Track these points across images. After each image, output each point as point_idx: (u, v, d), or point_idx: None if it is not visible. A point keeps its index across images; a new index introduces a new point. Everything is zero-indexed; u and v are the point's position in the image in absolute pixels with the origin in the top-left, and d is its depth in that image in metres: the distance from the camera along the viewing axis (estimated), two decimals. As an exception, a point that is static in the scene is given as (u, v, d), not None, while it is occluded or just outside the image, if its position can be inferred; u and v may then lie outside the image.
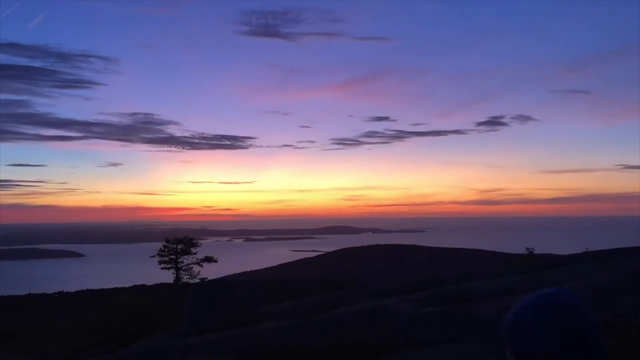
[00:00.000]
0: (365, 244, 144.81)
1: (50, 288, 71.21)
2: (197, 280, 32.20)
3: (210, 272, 34.25)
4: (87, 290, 65.93)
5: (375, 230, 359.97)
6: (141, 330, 13.59)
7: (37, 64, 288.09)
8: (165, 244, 34.83)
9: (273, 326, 7.61)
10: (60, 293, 63.14)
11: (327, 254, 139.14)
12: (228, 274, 73.75)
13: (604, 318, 5.62)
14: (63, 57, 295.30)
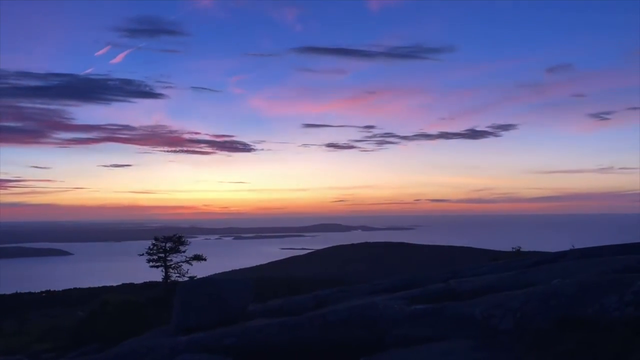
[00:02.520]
0: (355, 241, 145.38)
1: (38, 287, 70.66)
2: (185, 279, 32.12)
3: (199, 270, 34.20)
4: (75, 289, 65.47)
5: (364, 228, 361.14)
6: (130, 329, 13.54)
7: (67, 84, 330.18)
8: (154, 242, 34.65)
9: (262, 324, 7.60)
10: (48, 292, 62.61)
11: (317, 251, 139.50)
12: (217, 272, 73.70)
13: (591, 315, 5.67)
14: (91, 80, 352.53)
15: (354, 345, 6.53)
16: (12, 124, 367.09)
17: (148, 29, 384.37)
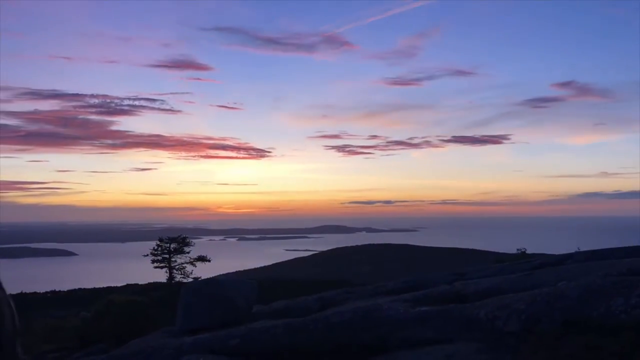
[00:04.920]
0: (359, 243, 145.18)
1: (42, 287, 70.81)
2: (190, 280, 32.16)
3: (203, 271, 34.24)
4: (80, 289, 65.58)
5: (369, 230, 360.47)
6: (134, 330, 13.56)
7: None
8: (158, 243, 34.71)
9: (266, 325, 7.60)
10: (53, 292, 62.77)
11: (321, 253, 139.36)
12: (221, 273, 73.67)
13: (597, 317, 5.65)
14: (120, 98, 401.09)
15: (358, 347, 6.53)
16: (52, 130, 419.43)
17: (190, 64, 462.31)
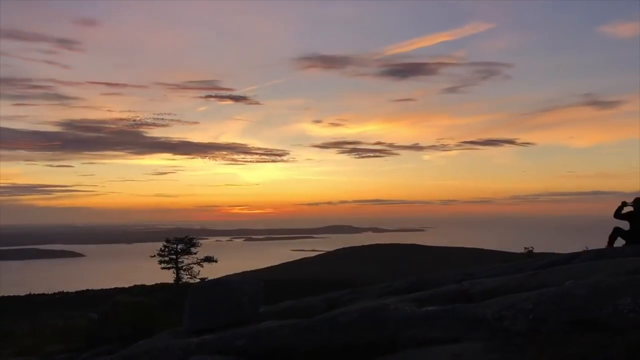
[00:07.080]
0: (366, 243, 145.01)
1: (50, 288, 71.16)
2: (197, 280, 32.23)
3: (210, 272, 34.32)
4: (87, 290, 65.91)
5: (375, 230, 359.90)
6: (141, 331, 13.59)
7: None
8: (165, 244, 34.78)
9: (273, 326, 7.60)
10: (61, 293, 63.07)
11: (327, 253, 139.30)
12: (228, 273, 73.74)
13: (604, 316, 5.62)
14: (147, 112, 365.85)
15: (365, 346, 6.52)
16: (81, 137, 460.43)
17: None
